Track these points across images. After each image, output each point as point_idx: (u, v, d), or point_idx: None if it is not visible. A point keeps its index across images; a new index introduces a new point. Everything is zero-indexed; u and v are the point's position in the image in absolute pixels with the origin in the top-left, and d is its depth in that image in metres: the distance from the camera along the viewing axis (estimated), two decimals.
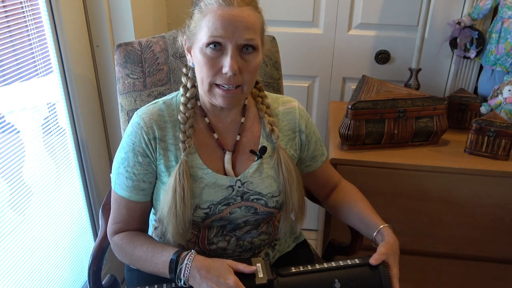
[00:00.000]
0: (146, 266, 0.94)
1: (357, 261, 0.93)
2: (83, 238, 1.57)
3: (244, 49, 0.87)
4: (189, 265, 0.86)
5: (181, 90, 0.99)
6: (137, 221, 1.00)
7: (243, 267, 0.86)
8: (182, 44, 0.97)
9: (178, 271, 0.87)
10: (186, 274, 0.86)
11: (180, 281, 0.87)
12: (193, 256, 0.88)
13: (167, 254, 0.90)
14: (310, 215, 2.14)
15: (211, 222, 0.98)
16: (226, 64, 0.85)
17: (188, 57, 0.96)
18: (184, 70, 1.00)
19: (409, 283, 1.56)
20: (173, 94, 1.02)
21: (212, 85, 0.89)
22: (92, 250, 1.11)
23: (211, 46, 0.86)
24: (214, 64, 0.87)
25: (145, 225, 1.05)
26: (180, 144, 0.94)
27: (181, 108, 0.96)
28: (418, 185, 1.39)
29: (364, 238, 1.14)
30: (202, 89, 0.92)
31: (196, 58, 0.90)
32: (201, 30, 0.87)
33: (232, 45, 0.85)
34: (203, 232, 1.00)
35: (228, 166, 0.98)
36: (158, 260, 0.91)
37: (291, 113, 1.05)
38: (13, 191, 1.17)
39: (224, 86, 0.88)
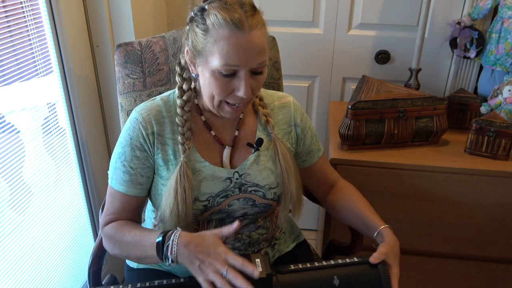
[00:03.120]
0: (135, 251, 0.92)
1: (356, 259, 0.93)
2: (83, 238, 1.57)
3: (256, 70, 0.88)
4: (175, 241, 0.85)
5: (177, 92, 0.98)
6: (129, 213, 1.00)
7: (227, 229, 0.86)
8: (184, 55, 0.94)
9: (165, 249, 0.86)
10: (174, 251, 0.85)
11: (168, 260, 0.85)
12: (178, 233, 0.86)
13: (154, 236, 0.89)
14: (310, 215, 2.14)
15: (210, 215, 0.99)
16: (241, 89, 0.86)
17: (191, 68, 0.94)
18: (177, 69, 0.98)
19: (409, 283, 1.56)
20: (171, 91, 1.03)
21: (222, 102, 0.91)
22: (92, 250, 1.11)
23: (224, 73, 0.86)
24: (227, 88, 0.88)
25: (137, 218, 1.03)
26: (180, 146, 0.95)
27: (178, 111, 0.96)
28: (418, 185, 1.39)
29: (364, 238, 1.15)
30: (209, 102, 0.93)
31: (205, 76, 0.89)
32: (212, 54, 0.85)
33: (246, 70, 0.86)
34: (202, 225, 1.01)
35: (226, 160, 0.99)
36: (146, 243, 0.90)
37: (286, 107, 1.07)
38: (13, 191, 1.17)
39: (234, 105, 0.90)
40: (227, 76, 0.86)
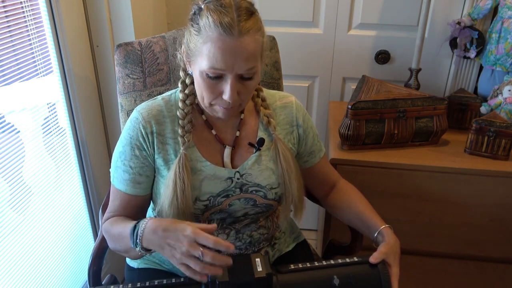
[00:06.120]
0: (121, 244, 0.92)
1: (356, 259, 0.93)
2: (83, 238, 1.57)
3: (244, 75, 0.88)
4: (143, 226, 0.83)
5: (180, 86, 0.99)
6: (128, 211, 0.99)
7: (204, 226, 0.81)
8: (181, 54, 0.95)
9: (135, 236, 0.83)
10: (140, 237, 0.82)
11: (138, 246, 0.83)
12: (147, 220, 0.84)
13: (132, 225, 0.86)
14: (310, 215, 2.14)
15: (211, 215, 0.99)
16: (226, 92, 0.87)
17: (187, 66, 0.95)
18: (182, 64, 0.99)
19: (409, 283, 1.56)
20: (172, 91, 1.03)
21: (211, 104, 0.91)
22: (92, 250, 1.11)
23: (211, 75, 0.86)
24: (214, 90, 0.88)
25: (139, 216, 0.99)
26: (179, 139, 0.96)
27: (180, 104, 0.98)
28: (418, 185, 1.39)
29: (364, 238, 1.15)
30: (201, 102, 0.94)
31: (196, 76, 0.91)
32: (200, 55, 0.86)
33: (232, 75, 0.86)
34: None
35: (227, 159, 0.99)
36: (127, 233, 0.87)
37: (288, 108, 1.07)
38: (13, 191, 1.17)
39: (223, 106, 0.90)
40: (213, 78, 0.87)
